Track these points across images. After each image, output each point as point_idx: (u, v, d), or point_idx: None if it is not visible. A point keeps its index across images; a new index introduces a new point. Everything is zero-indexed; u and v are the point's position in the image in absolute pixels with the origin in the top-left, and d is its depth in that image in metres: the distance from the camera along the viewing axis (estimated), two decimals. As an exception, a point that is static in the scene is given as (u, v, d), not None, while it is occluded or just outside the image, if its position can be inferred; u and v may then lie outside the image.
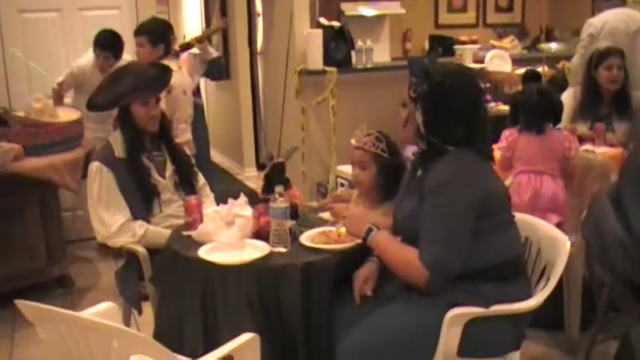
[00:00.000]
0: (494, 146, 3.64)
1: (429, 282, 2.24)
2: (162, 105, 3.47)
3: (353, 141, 2.97)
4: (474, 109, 2.34)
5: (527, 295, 2.39)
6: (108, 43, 4.85)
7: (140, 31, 4.47)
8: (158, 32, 4.52)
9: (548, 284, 2.40)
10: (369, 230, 2.38)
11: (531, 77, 3.65)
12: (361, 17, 6.15)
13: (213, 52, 5.08)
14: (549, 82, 3.61)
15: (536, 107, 3.61)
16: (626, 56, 4.45)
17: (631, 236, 2.62)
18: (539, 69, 5.27)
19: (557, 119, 3.67)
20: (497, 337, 2.36)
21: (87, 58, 4.91)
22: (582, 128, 4.18)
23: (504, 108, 5.34)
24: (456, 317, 2.26)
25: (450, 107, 2.30)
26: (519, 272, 2.44)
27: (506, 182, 3.55)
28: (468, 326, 2.29)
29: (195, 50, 4.97)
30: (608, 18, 5.04)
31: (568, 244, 2.45)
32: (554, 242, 2.50)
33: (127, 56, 4.93)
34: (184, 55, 4.96)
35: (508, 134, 3.71)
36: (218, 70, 5.16)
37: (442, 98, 2.30)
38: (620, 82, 4.21)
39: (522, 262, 2.50)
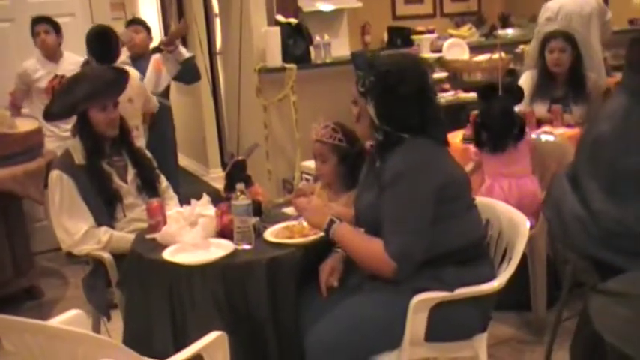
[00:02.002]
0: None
1: (396, 272, 2.26)
2: None
3: (312, 134, 3.00)
4: (423, 93, 2.36)
5: (491, 277, 2.42)
6: (41, 17, 4.91)
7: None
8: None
9: (510, 265, 2.44)
10: (331, 223, 2.40)
11: (489, 92, 3.55)
12: (319, 12, 6.16)
13: (185, 53, 5.06)
14: (505, 90, 3.57)
15: (498, 128, 3.53)
16: (582, 39, 4.54)
17: (589, 214, 2.68)
18: (496, 55, 5.33)
19: (520, 135, 3.57)
20: (463, 319, 2.39)
21: (30, 60, 4.93)
22: (541, 109, 4.24)
23: (464, 95, 5.41)
24: (421, 302, 2.29)
25: (399, 93, 2.32)
26: (482, 255, 2.48)
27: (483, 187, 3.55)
28: (434, 311, 2.32)
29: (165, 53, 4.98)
30: (564, 2, 5.14)
31: (527, 224, 2.49)
32: (514, 223, 2.54)
33: (79, 58, 4.93)
34: (156, 57, 4.96)
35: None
36: (191, 70, 5.12)
37: (390, 86, 2.32)
38: (565, 64, 4.26)
39: (484, 244, 2.54)
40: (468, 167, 3.56)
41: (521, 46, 5.84)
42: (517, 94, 3.65)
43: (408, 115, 2.34)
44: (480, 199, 2.60)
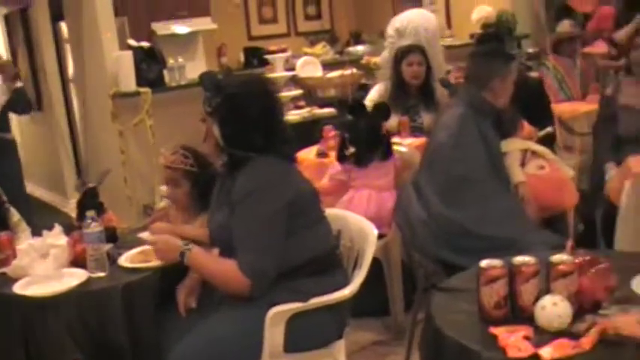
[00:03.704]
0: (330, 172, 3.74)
1: (252, 289, 2.30)
2: None
3: (161, 160, 3.00)
4: (270, 114, 2.42)
5: (344, 285, 2.50)
6: None
7: None
8: None
9: (360, 272, 2.52)
10: (183, 253, 2.38)
11: (358, 108, 3.71)
12: (174, 35, 6.16)
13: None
14: (375, 108, 3.73)
15: (364, 144, 3.62)
16: (429, 52, 4.79)
17: (432, 218, 2.86)
18: (348, 72, 5.52)
19: (386, 151, 3.68)
20: (319, 328, 2.45)
21: None
22: (394, 120, 4.41)
23: (319, 112, 5.54)
24: (277, 315, 2.33)
25: (246, 116, 2.36)
26: (334, 264, 2.55)
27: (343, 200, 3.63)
28: (291, 322, 2.37)
29: None
30: (411, 16, 5.43)
31: (375, 232, 2.60)
32: (364, 232, 2.63)
33: None
34: None
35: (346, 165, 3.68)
36: (21, 101, 5.01)
37: (237, 108, 2.36)
38: (422, 76, 4.49)
39: (336, 254, 2.61)
40: (324, 181, 3.65)
41: (366, 57, 6.10)
42: (384, 112, 3.77)
43: (253, 136, 2.38)
44: (330, 211, 2.68)
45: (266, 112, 2.40)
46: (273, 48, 6.48)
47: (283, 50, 6.28)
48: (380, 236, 3.43)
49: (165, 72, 5.42)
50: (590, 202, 3.47)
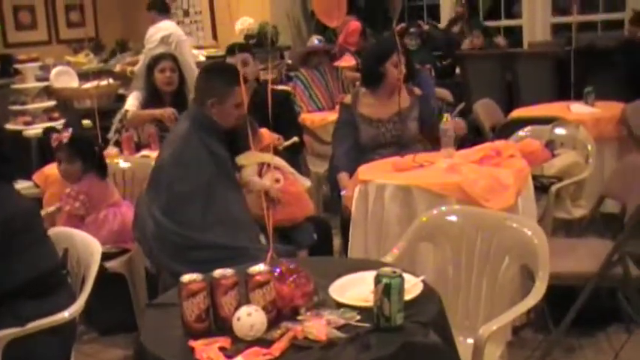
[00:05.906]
0: None
1: None
2: None
3: None
4: None
5: (70, 305, 2.44)
6: None
7: None
8: None
9: (83, 290, 2.47)
10: None
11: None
12: None
13: None
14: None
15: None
16: (183, 61, 4.81)
17: (161, 232, 2.89)
18: (105, 82, 5.41)
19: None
20: (42, 352, 2.38)
21: None
22: (149, 129, 4.35)
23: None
24: (-9, 342, 2.24)
25: None
26: (59, 284, 2.49)
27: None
28: (10, 349, 2.28)
29: None
30: (169, 27, 5.45)
31: (100, 248, 2.56)
32: (89, 249, 2.59)
33: None
34: None
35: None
36: None
37: None
38: (175, 83, 4.48)
39: (61, 273, 2.54)
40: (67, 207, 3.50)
41: (129, 68, 6.03)
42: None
43: None
44: (56, 230, 2.63)
45: None
46: (23, 57, 6.15)
47: (35, 59, 5.98)
48: (125, 251, 3.45)
49: None
50: (329, 209, 3.66)
